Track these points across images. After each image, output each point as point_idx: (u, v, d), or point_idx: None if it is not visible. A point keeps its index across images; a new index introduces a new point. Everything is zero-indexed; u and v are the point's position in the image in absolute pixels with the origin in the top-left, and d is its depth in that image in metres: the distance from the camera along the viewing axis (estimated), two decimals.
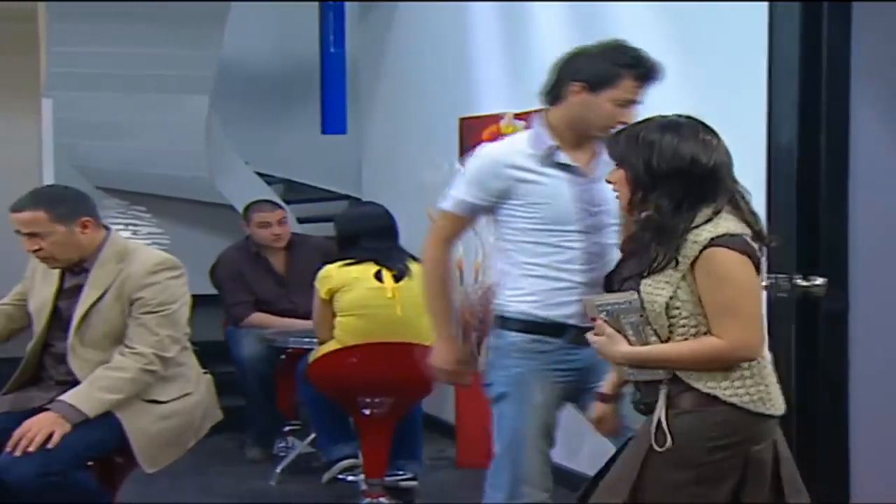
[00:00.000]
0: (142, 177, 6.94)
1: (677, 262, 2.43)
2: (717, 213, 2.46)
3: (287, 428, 5.43)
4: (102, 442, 3.29)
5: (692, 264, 2.42)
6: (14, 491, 3.16)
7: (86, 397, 3.24)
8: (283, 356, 5.23)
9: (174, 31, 6.15)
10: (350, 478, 4.62)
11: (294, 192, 7.40)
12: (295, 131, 7.54)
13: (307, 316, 4.63)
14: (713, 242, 2.41)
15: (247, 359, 5.27)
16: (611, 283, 2.60)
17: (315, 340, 4.55)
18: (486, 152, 3.07)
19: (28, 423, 3.17)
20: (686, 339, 2.44)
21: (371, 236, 4.43)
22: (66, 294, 3.43)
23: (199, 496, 4.71)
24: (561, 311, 2.95)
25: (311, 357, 4.44)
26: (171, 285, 3.38)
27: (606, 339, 2.50)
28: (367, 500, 4.39)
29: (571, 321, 2.93)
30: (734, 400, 2.42)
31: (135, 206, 7.15)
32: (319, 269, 4.42)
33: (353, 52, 7.11)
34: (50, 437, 3.13)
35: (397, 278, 4.35)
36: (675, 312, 2.44)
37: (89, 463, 3.35)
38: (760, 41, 3.62)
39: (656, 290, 2.44)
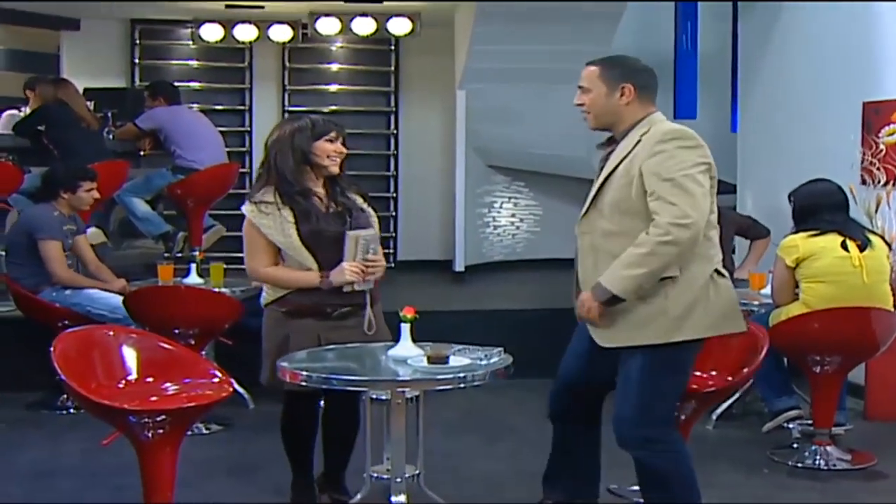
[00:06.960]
0: (527, 156, 7.75)
1: None
2: None
3: None
4: None
5: None
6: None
7: (611, 277, 3.40)
8: None
9: (575, 30, 6.86)
10: (790, 426, 5.11)
11: None
12: None
13: None
14: None
15: None
16: None
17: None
18: None
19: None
20: None
21: (830, 209, 4.85)
22: None
23: None
24: None
25: (772, 320, 4.91)
26: (678, 154, 3.36)
27: None
28: (815, 446, 4.89)
29: None
30: None
31: (515, 181, 7.99)
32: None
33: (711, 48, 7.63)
34: None
35: (861, 248, 4.77)
36: None
37: None
38: None
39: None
